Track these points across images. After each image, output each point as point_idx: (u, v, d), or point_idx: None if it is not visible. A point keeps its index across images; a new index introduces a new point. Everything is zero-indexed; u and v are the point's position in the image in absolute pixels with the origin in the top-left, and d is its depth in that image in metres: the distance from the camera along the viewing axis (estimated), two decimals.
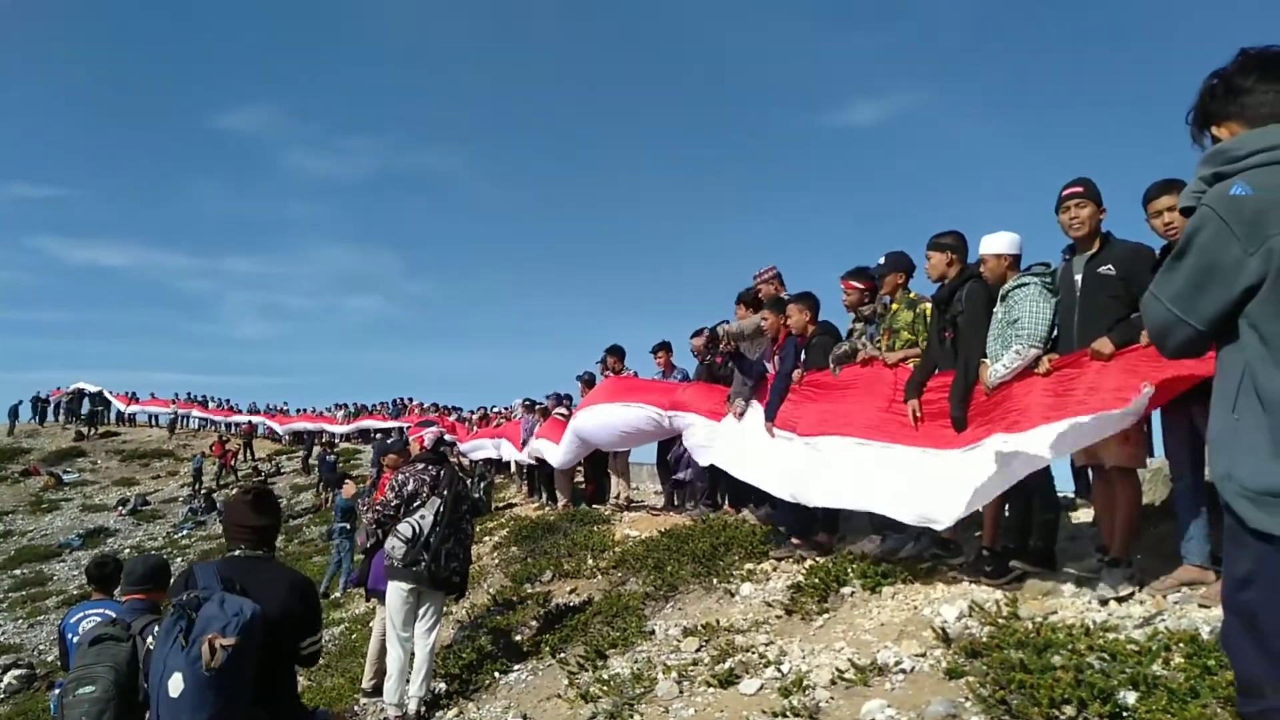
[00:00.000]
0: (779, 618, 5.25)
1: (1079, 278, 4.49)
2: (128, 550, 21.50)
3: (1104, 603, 4.04)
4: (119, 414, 38.98)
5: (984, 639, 3.93)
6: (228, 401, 38.37)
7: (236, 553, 3.38)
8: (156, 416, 38.61)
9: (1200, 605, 3.72)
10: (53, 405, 39.37)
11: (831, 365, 6.08)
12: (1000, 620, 4.09)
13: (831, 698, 3.87)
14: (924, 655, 4.06)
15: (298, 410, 35.34)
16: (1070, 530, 5.67)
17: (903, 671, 3.96)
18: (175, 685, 2.89)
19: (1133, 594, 4.03)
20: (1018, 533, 4.88)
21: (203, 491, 26.46)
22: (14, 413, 36.49)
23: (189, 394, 38.66)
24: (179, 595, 3.08)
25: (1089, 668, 3.28)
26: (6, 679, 14.14)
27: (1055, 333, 4.60)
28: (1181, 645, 3.30)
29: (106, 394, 39.26)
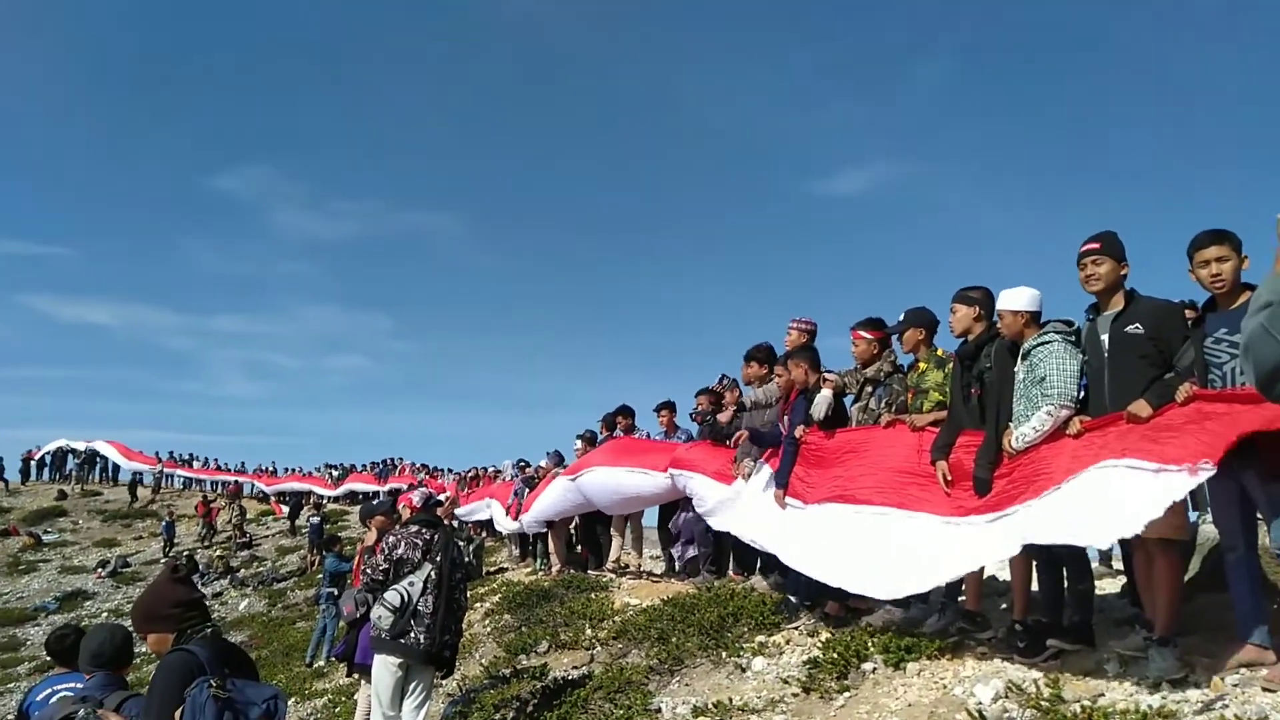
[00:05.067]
0: (796, 695, 4.91)
1: (1105, 338, 4.28)
2: (104, 614, 20.80)
3: (1156, 685, 3.73)
4: (105, 469, 38.06)
5: None
6: (215, 460, 37.78)
7: (208, 631, 3.22)
8: (141, 475, 37.88)
9: (1265, 689, 3.41)
10: (35, 462, 38.66)
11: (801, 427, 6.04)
12: (1043, 703, 3.77)
13: None
14: None
15: (286, 470, 34.82)
16: (1097, 602, 5.36)
17: None
18: None
19: (1186, 676, 3.72)
20: (1051, 605, 4.59)
21: (185, 553, 25.79)
22: None
23: (171, 453, 38.02)
24: (196, 681, 2.96)
25: None
26: None
27: (1083, 394, 4.39)
28: None
29: (99, 446, 38.37)
